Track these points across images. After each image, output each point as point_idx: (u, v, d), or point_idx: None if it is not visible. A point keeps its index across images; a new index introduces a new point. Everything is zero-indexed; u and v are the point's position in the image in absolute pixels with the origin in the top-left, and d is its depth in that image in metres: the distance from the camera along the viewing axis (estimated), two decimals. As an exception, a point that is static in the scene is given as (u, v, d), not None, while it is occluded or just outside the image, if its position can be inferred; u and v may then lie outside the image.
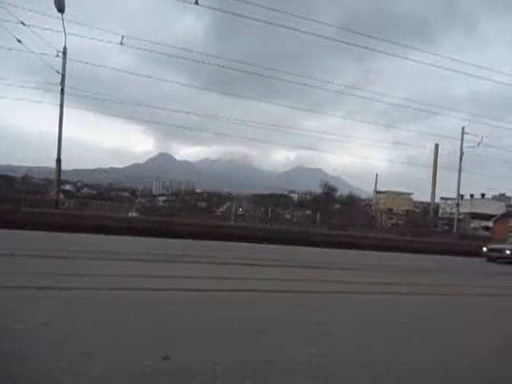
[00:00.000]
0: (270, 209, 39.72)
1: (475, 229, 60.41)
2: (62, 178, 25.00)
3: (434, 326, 5.12)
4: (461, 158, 33.00)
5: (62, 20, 19.04)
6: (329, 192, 63.07)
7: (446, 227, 52.79)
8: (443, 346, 4.16)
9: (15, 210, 16.16)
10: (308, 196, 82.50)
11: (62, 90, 20.23)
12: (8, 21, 18.61)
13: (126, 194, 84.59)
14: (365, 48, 25.99)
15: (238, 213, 34.81)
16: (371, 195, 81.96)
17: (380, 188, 74.91)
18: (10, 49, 19.99)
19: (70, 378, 2.62)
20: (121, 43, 20.43)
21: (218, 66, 25.93)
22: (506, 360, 3.94)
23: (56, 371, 2.70)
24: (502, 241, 23.83)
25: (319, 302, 6.13)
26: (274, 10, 22.40)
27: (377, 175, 68.18)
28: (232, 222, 29.98)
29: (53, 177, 22.24)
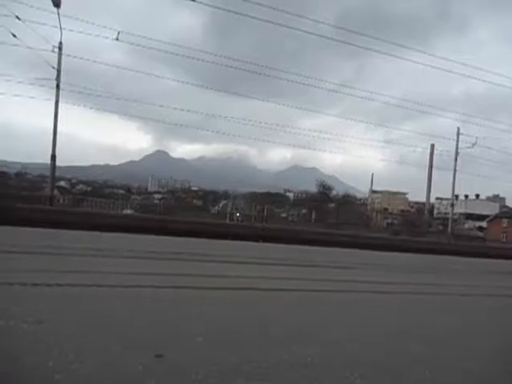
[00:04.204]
0: (265, 207, 39.78)
1: (469, 229, 60.83)
2: (57, 174, 24.86)
3: (427, 326, 5.14)
4: (456, 159, 33.15)
5: (58, 15, 18.89)
6: (324, 191, 63.15)
7: (441, 227, 53.10)
8: (435, 345, 4.17)
9: (9, 206, 16.00)
10: (304, 195, 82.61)
11: (58, 86, 20.06)
12: (3, 15, 18.44)
13: (122, 191, 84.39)
14: (361, 47, 26.01)
15: (235, 217, 34.55)
16: (366, 195, 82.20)
17: (375, 187, 75.14)
18: (5, 43, 19.82)
19: (63, 376, 2.60)
20: (117, 39, 20.32)
21: (215, 63, 25.89)
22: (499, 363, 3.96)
23: (49, 369, 2.67)
24: (496, 241, 23.93)
25: (314, 300, 6.12)
26: (271, 8, 22.38)
27: (372, 175, 68.49)
28: (227, 221, 29.96)
29: (48, 173, 22.08)
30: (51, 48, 19.74)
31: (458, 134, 32.95)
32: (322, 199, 59.40)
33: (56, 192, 27.09)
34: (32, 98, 26.37)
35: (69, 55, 21.01)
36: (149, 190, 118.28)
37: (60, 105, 20.23)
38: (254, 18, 22.19)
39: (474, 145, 31.79)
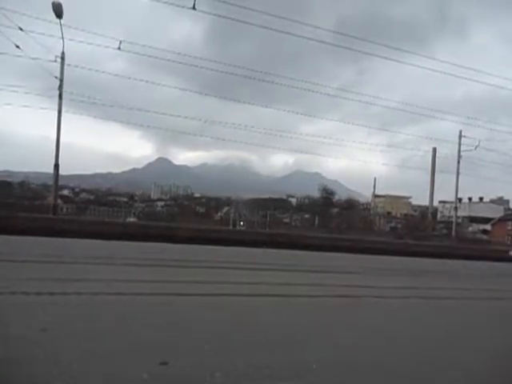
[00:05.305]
0: (268, 213, 39.84)
1: (473, 232, 60.48)
2: (60, 183, 24.96)
3: (434, 329, 5.11)
4: (458, 162, 33.10)
5: (60, 25, 19.13)
6: (327, 196, 63.03)
7: (445, 231, 52.84)
8: (436, 347, 4.15)
9: (13, 215, 16.09)
10: (306, 200, 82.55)
11: (60, 96, 20.26)
12: (6, 26, 18.68)
13: (125, 199, 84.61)
14: (361, 52, 26.19)
15: (239, 226, 34.57)
16: (369, 199, 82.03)
17: (378, 191, 74.93)
18: (9, 54, 20.06)
19: (67, 384, 2.60)
20: (119, 48, 20.54)
21: (216, 70, 26.10)
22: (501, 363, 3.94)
23: (53, 377, 2.68)
24: (501, 244, 23.82)
25: (317, 306, 6.11)
26: (270, 15, 22.59)
27: (375, 179, 68.41)
28: (231, 227, 29.99)
29: (51, 182, 22.24)
30: (54, 58, 19.99)
31: (461, 136, 32.96)
32: (324, 204, 59.31)
33: (59, 201, 27.19)
34: (35, 107, 26.71)
35: (71, 65, 21.25)
36: (152, 197, 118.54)
37: (63, 114, 20.42)
38: (253, 24, 22.40)
39: (476, 147, 31.82)
